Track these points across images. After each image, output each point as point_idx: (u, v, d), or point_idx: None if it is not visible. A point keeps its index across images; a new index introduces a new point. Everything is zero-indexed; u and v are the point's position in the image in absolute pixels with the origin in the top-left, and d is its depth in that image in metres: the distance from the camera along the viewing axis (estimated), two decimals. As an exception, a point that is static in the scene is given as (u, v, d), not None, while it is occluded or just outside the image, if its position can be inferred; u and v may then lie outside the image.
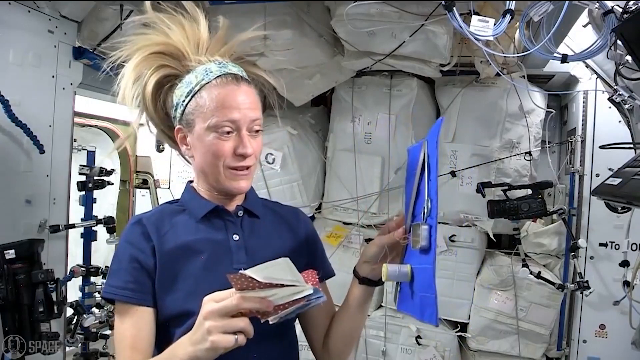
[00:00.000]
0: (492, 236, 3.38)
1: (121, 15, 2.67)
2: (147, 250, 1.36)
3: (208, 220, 1.44)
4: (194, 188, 1.50)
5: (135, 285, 1.33)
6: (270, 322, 1.08)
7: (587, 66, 3.10)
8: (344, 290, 1.49)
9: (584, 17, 2.47)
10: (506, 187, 3.03)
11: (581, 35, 2.61)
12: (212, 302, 1.10)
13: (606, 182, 1.90)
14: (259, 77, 1.53)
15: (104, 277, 3.15)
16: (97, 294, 3.12)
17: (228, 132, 1.33)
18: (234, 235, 1.42)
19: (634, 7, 1.94)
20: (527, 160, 3.33)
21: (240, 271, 1.06)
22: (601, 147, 2.60)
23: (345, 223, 3.69)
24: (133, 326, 1.31)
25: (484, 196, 3.04)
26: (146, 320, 1.33)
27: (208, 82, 1.36)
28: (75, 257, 3.10)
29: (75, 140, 2.76)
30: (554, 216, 3.24)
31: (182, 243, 1.38)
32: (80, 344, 3.01)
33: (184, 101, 1.39)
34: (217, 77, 1.37)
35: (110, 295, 1.34)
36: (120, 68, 1.46)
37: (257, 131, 1.38)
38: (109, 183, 3.22)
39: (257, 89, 1.46)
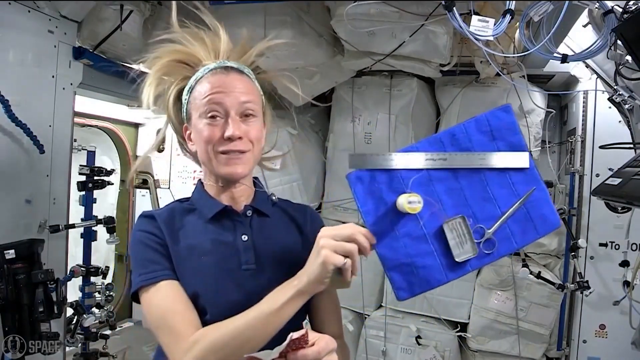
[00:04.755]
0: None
1: (121, 15, 2.68)
2: (164, 238, 1.37)
3: (217, 221, 1.44)
4: (203, 186, 1.51)
5: (169, 264, 1.34)
6: None
7: (587, 66, 3.10)
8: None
9: (584, 17, 2.47)
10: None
11: (581, 35, 2.61)
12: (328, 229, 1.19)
13: (606, 182, 1.90)
14: (273, 79, 1.58)
15: (104, 277, 3.14)
16: (97, 294, 3.10)
17: (215, 117, 1.36)
18: (243, 236, 1.42)
19: (634, 7, 1.94)
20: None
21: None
22: (601, 147, 2.60)
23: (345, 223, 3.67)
24: (178, 299, 1.30)
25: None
26: (184, 291, 1.32)
27: (202, 77, 1.41)
28: (75, 257, 3.10)
29: (75, 140, 2.76)
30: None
31: (191, 244, 1.39)
32: (80, 344, 3.00)
33: (185, 99, 1.44)
34: (210, 70, 1.41)
35: (150, 280, 1.31)
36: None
37: (249, 115, 1.39)
38: (109, 183, 3.21)
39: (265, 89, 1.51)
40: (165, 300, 1.29)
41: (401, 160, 1.30)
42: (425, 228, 1.28)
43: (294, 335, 1.09)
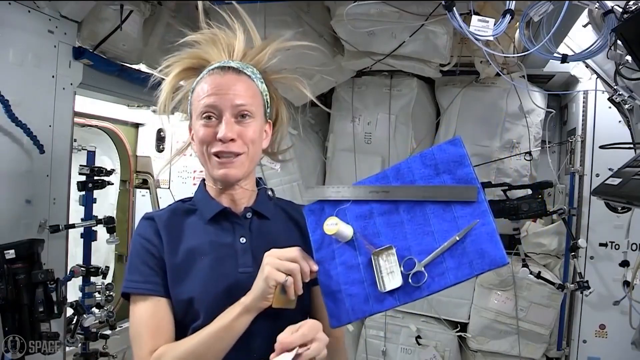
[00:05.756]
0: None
1: (121, 15, 2.67)
2: (160, 246, 1.39)
3: (217, 222, 1.44)
4: (205, 186, 1.52)
5: (155, 278, 1.36)
6: None
7: (587, 66, 3.10)
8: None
9: (584, 17, 2.47)
10: (506, 187, 3.02)
11: (581, 35, 2.61)
12: (275, 250, 1.27)
13: (606, 182, 1.90)
14: (281, 80, 1.57)
15: (104, 277, 3.14)
16: (97, 294, 3.09)
17: (210, 117, 1.36)
18: (241, 238, 1.42)
19: (634, 7, 1.94)
20: (527, 160, 3.33)
21: None
22: (601, 147, 2.60)
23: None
24: (154, 316, 1.34)
25: (483, 196, 3.01)
26: (166, 310, 1.35)
27: (201, 78, 1.42)
28: (75, 257, 3.09)
29: (75, 140, 2.75)
30: (554, 216, 3.24)
31: (189, 246, 1.39)
32: (80, 344, 2.99)
33: (189, 99, 1.46)
34: (209, 71, 1.41)
35: (132, 290, 1.36)
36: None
37: (245, 116, 1.38)
38: (109, 183, 3.21)
39: (270, 90, 1.51)
40: (143, 316, 1.34)
41: (346, 193, 1.36)
42: (360, 258, 1.30)
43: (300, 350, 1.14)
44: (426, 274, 1.21)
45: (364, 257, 1.29)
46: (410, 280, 1.21)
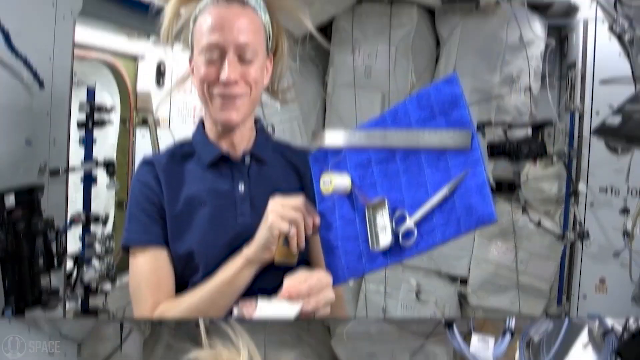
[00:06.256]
0: (492, 182, 3.24)
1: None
2: (160, 193, 1.36)
3: (216, 167, 1.40)
4: (204, 127, 1.46)
5: (155, 227, 1.34)
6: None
7: (587, -8, 3.05)
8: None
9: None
10: (506, 127, 3.00)
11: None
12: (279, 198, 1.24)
13: (607, 121, 1.88)
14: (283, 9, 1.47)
15: (104, 225, 3.10)
16: (97, 244, 3.03)
17: (213, 54, 1.30)
18: (240, 186, 1.39)
19: None
20: (527, 96, 3.31)
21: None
22: (601, 82, 2.56)
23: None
24: (154, 270, 1.32)
25: (484, 136, 3.00)
26: (167, 262, 1.34)
27: (204, 7, 1.34)
28: (75, 203, 3.01)
29: (75, 75, 2.66)
30: (554, 158, 3.20)
31: (187, 195, 1.36)
32: (80, 299, 2.90)
33: (190, 29, 1.38)
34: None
35: (132, 242, 1.34)
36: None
37: (247, 54, 1.31)
38: (109, 122, 3.12)
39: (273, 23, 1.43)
40: (143, 270, 1.32)
41: (346, 138, 1.30)
42: (356, 211, 1.25)
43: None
44: (415, 231, 1.14)
45: (359, 210, 1.24)
46: (400, 238, 1.15)
